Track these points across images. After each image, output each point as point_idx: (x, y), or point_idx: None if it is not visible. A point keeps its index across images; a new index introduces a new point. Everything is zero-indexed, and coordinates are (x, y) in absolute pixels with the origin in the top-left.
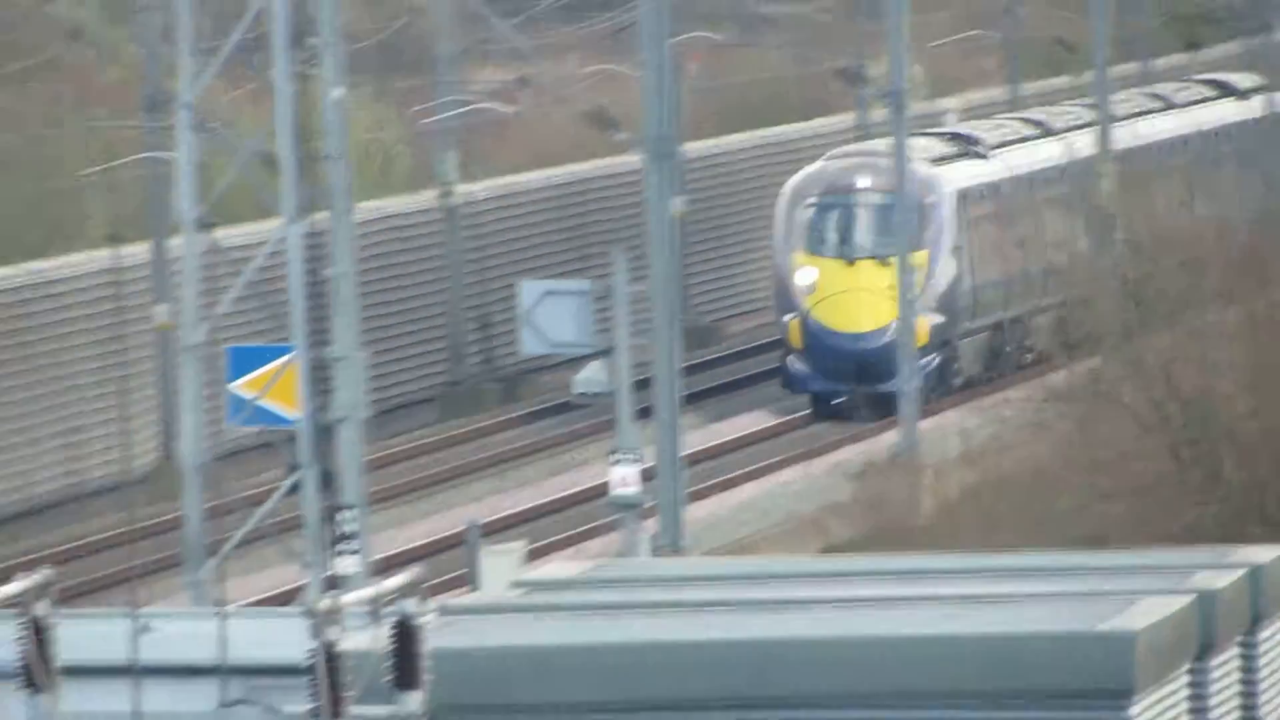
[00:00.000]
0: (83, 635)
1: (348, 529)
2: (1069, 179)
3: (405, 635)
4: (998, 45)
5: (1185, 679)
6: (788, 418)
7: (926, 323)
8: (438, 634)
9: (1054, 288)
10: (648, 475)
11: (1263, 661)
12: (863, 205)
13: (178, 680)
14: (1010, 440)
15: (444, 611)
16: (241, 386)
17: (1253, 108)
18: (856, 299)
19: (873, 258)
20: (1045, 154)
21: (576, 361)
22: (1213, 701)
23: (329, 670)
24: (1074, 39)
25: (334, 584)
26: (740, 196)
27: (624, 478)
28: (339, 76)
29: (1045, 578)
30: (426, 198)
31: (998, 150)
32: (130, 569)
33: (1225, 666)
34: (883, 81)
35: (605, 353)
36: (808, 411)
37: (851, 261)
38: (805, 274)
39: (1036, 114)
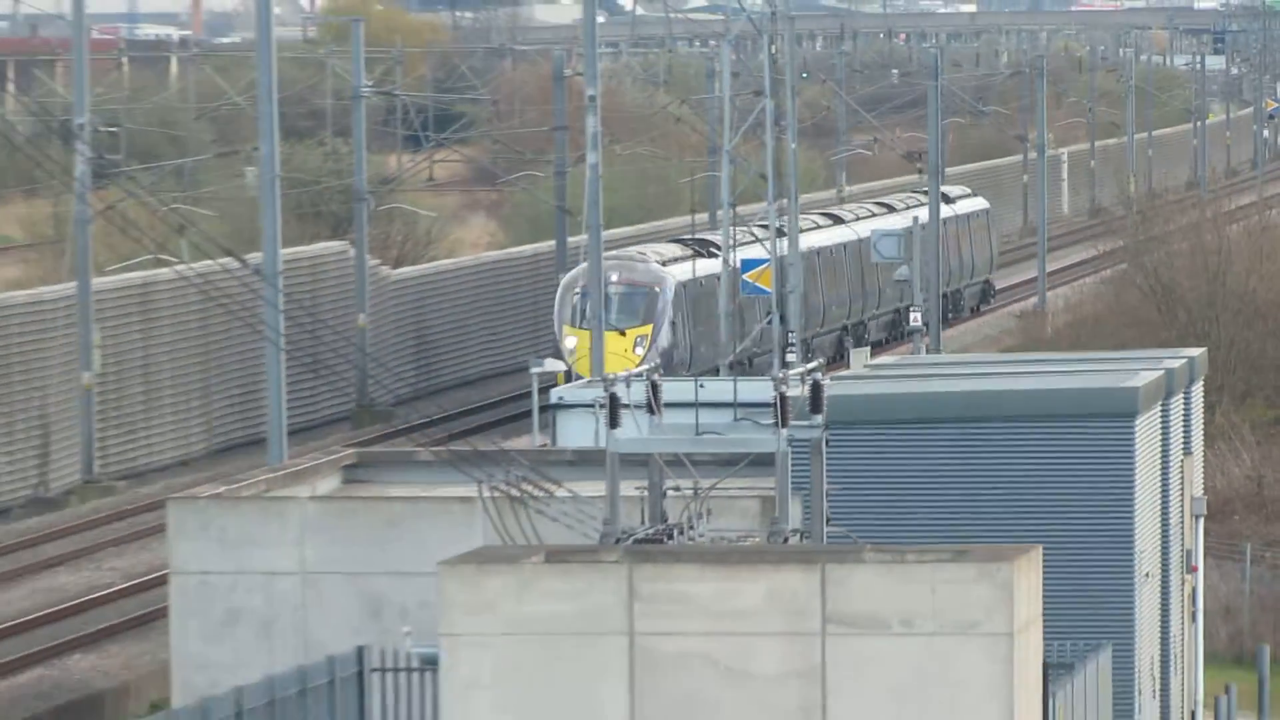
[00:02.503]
0: None
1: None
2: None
3: (816, 388)
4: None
5: (1159, 409)
6: None
7: None
8: (831, 388)
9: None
10: None
11: (1194, 403)
12: (611, 293)
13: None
14: None
15: (834, 378)
16: None
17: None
18: (605, 359)
19: (614, 329)
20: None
21: None
22: (1172, 421)
23: (781, 403)
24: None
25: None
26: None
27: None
28: None
29: (1093, 364)
30: None
31: (728, 249)
32: None
33: (1176, 405)
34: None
35: None
36: None
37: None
38: (570, 340)
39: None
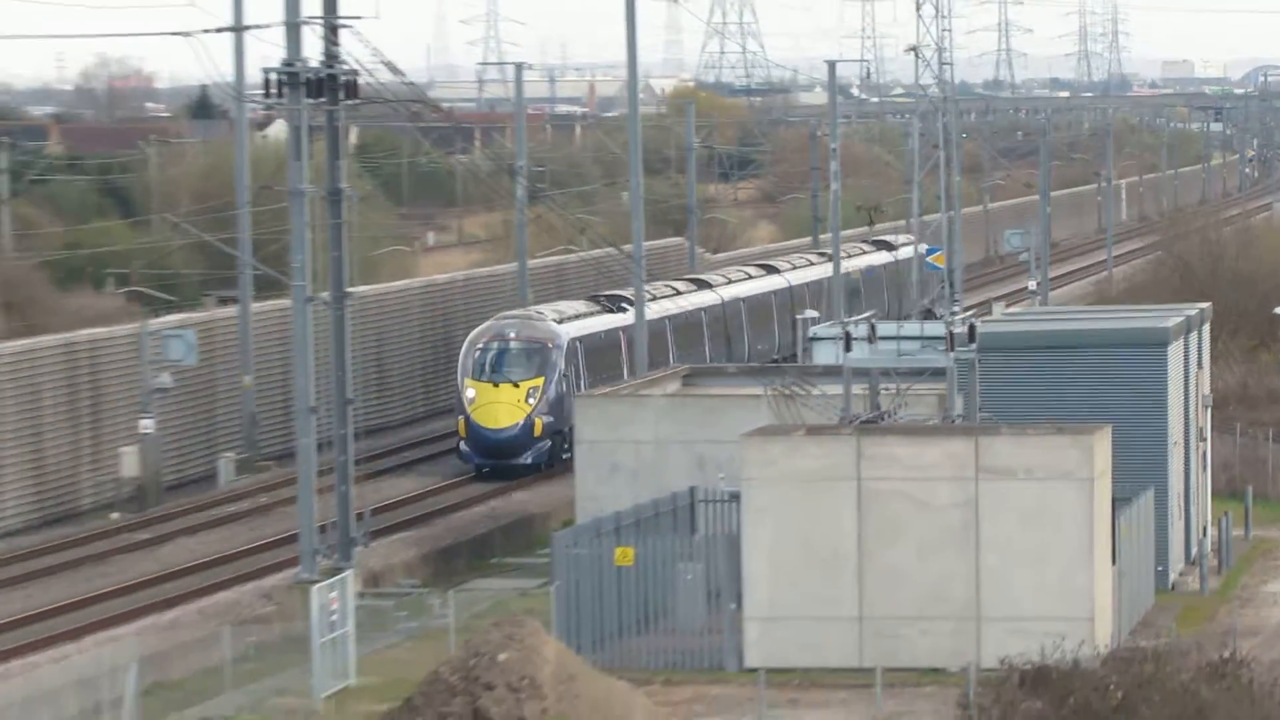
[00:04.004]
0: None
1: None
2: (680, 321)
3: (972, 327)
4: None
5: (1182, 340)
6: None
7: (541, 421)
8: (981, 326)
9: None
10: None
11: (1204, 337)
12: (507, 350)
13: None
14: None
15: (983, 320)
16: None
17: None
18: (497, 408)
19: (509, 381)
20: (679, 304)
21: None
22: (1190, 347)
23: (950, 336)
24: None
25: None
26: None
27: None
28: None
29: (1141, 313)
30: None
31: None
32: None
33: (1193, 338)
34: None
35: None
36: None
37: (497, 384)
38: (469, 392)
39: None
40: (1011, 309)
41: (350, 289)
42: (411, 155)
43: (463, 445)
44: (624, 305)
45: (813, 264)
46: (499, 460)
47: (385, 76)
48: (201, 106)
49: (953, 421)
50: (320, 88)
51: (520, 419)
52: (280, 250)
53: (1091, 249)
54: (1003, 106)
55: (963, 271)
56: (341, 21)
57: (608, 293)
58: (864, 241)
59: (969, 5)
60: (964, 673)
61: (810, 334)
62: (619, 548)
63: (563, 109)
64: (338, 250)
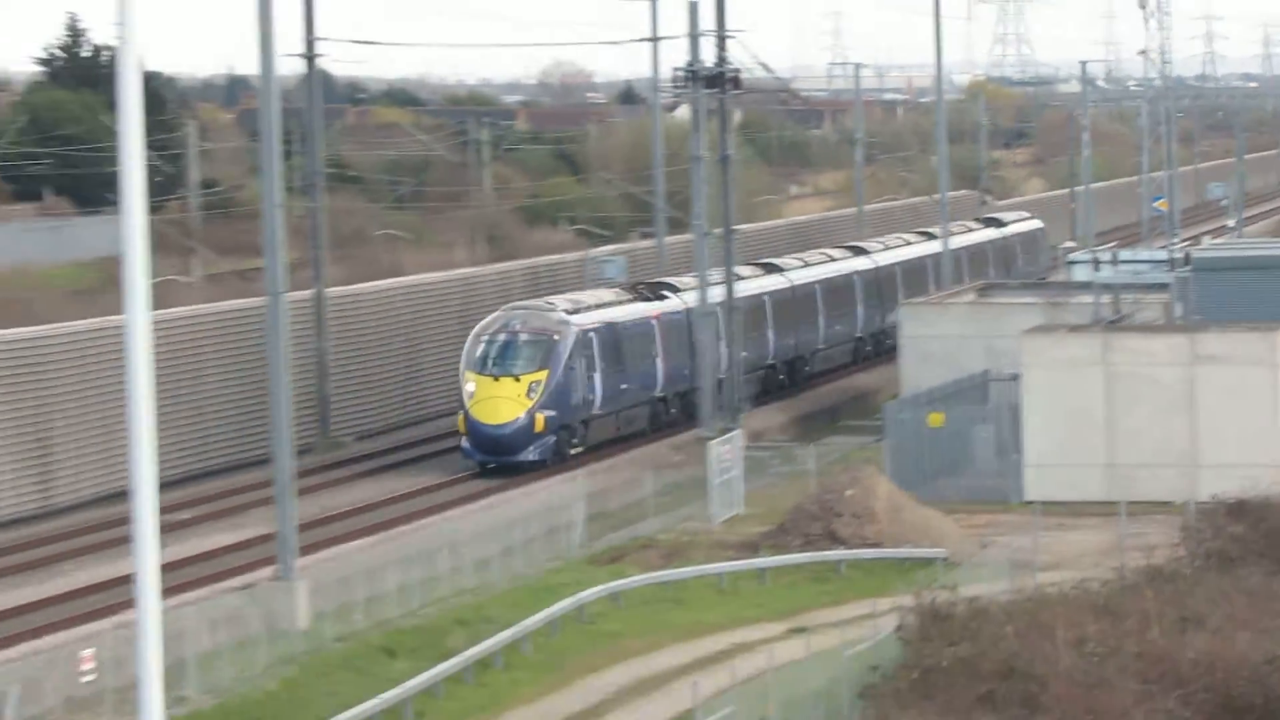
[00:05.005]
0: None
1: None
2: (669, 321)
3: (1187, 254)
4: None
5: None
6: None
7: (543, 417)
8: (1194, 252)
9: (647, 390)
10: None
11: None
12: (507, 342)
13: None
14: None
15: (1195, 249)
16: None
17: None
18: (496, 402)
19: (510, 375)
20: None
21: None
22: None
23: (1171, 260)
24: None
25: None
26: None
27: None
28: None
29: None
30: None
31: (651, 299)
32: None
33: None
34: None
35: None
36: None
37: (497, 378)
38: (470, 385)
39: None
40: (1216, 240)
41: (736, 226)
42: (779, 129)
43: (463, 442)
44: (664, 294)
45: (970, 230)
46: (498, 457)
47: (760, 73)
48: (628, 95)
49: (1174, 322)
50: (713, 81)
51: (520, 414)
52: (684, 199)
53: (1274, 196)
54: (1208, 94)
55: (1179, 213)
56: (728, 33)
57: (655, 279)
58: (973, 220)
59: (1182, 20)
60: (1184, 505)
61: (1069, 259)
62: (931, 413)
63: (888, 96)
64: (725, 198)
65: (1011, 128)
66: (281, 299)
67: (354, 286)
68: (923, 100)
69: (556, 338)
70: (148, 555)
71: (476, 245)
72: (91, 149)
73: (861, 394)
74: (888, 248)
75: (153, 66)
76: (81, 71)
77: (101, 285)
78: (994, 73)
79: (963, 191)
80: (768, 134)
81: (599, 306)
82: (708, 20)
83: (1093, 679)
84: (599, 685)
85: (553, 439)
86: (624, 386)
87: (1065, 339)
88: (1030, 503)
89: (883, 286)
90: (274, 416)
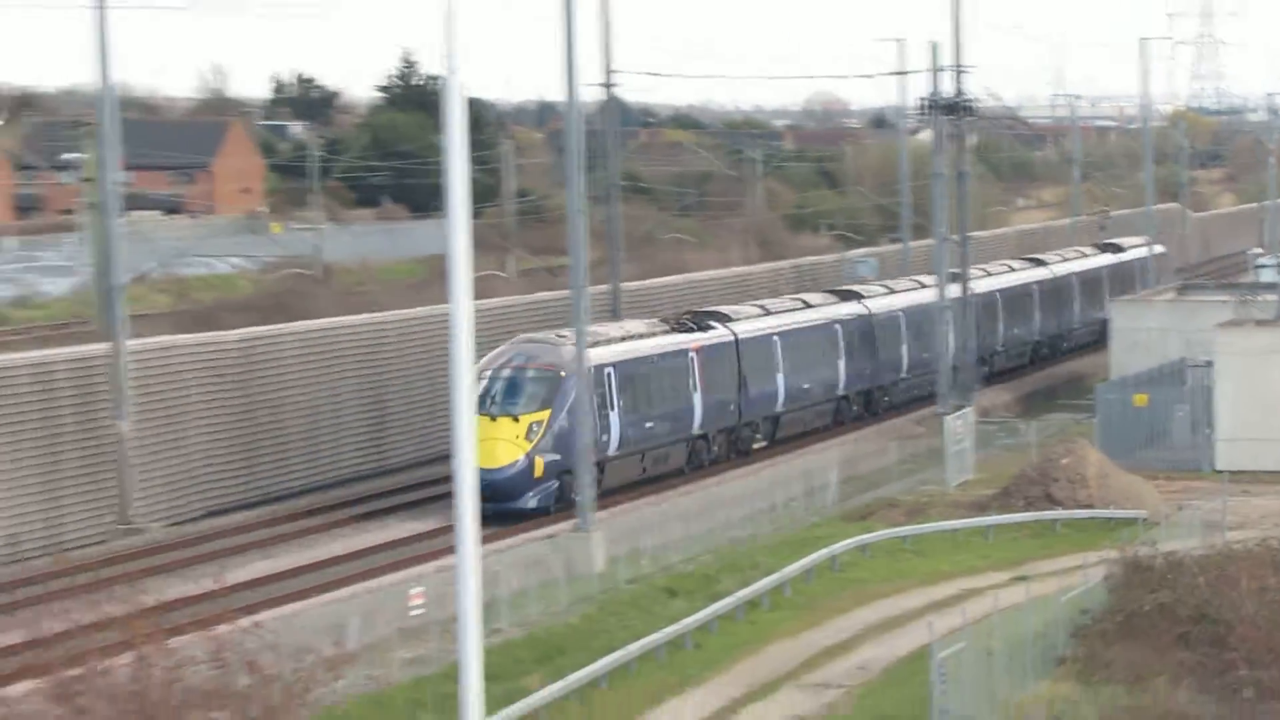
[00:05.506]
0: None
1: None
2: (711, 353)
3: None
4: None
5: None
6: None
7: (543, 460)
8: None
9: (681, 428)
10: None
11: None
12: (510, 379)
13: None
14: None
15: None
16: None
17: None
18: (493, 445)
19: (508, 415)
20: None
21: None
22: None
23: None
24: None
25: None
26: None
27: None
28: None
29: None
30: None
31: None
32: None
33: None
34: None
35: None
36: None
37: (495, 418)
38: None
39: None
40: None
41: (970, 233)
42: (1008, 150)
43: None
44: (711, 324)
45: (1085, 255)
46: (496, 504)
47: (991, 102)
48: (879, 120)
49: None
50: (951, 109)
51: (518, 457)
52: (926, 209)
53: None
54: None
55: None
56: (964, 68)
57: (705, 309)
58: (1092, 245)
59: None
60: None
61: (1257, 263)
62: (1136, 394)
63: (1101, 122)
64: (961, 209)
65: (1207, 150)
66: (584, 291)
67: (645, 281)
68: (1131, 126)
69: (562, 374)
70: (467, 507)
71: (749, 247)
72: (422, 163)
73: (1077, 377)
74: (1065, 260)
75: (474, 93)
76: (415, 97)
77: (430, 279)
78: (1193, 103)
79: (1168, 205)
80: (998, 154)
81: (623, 339)
82: (947, 57)
83: (1273, 623)
84: (848, 624)
85: (555, 485)
86: (649, 425)
87: (1253, 331)
88: (1220, 472)
89: (1061, 295)
90: (577, 393)
